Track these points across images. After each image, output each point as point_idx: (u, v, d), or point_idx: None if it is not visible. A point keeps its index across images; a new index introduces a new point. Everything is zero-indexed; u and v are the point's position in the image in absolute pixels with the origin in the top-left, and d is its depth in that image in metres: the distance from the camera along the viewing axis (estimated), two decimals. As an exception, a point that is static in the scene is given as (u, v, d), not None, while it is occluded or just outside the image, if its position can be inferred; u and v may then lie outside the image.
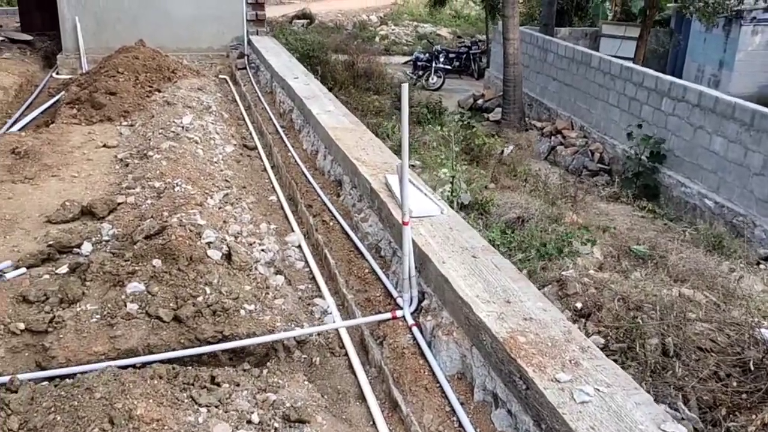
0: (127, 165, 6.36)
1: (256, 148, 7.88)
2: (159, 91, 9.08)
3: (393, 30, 31.63)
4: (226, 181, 6.02)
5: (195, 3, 12.29)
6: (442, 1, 24.98)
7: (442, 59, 21.89)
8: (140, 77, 9.32)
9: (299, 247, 5.27)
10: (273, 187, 6.67)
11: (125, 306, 3.79)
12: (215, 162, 6.45)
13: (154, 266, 4.06)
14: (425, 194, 4.79)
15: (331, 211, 5.52)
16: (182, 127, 7.14)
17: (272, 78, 9.74)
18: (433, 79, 21.19)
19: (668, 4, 18.24)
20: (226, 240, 4.55)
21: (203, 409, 2.94)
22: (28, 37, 13.44)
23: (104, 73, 9.15)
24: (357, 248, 4.86)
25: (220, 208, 5.29)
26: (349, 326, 4.02)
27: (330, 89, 16.13)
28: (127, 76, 9.12)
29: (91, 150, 6.95)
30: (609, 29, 19.92)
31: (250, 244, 4.77)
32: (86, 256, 4.50)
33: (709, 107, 11.02)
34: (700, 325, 6.30)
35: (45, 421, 2.75)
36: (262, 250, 4.74)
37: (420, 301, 3.89)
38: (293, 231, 5.50)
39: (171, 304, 3.84)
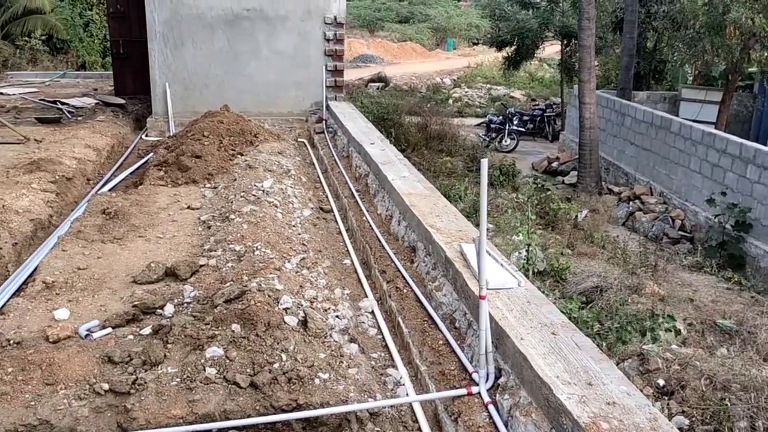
0: (209, 227, 6.57)
1: (332, 211, 8.03)
2: (241, 155, 9.43)
3: (466, 92, 31.96)
4: (303, 244, 6.13)
5: (277, 70, 12.82)
6: (516, 64, 25.07)
7: (515, 121, 21.93)
8: (224, 141, 9.72)
9: (372, 313, 5.27)
10: (347, 250, 6.74)
11: (204, 370, 3.87)
12: (293, 225, 6.59)
13: (233, 331, 4.14)
14: (501, 265, 4.74)
15: (404, 278, 5.52)
16: (263, 191, 7.36)
17: (349, 143, 9.99)
18: (506, 141, 21.22)
19: (751, 69, 17.80)
20: (302, 306, 4.61)
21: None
22: (121, 101, 14.27)
23: (190, 136, 9.60)
24: (431, 317, 4.83)
25: (297, 272, 5.38)
26: (423, 400, 3.96)
27: (403, 151, 16.36)
28: (212, 140, 9.53)
29: (176, 211, 7.24)
30: (689, 93, 19.57)
31: (325, 310, 4.81)
32: (169, 317, 4.64)
33: (798, 175, 10.58)
34: (793, 410, 5.92)
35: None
36: (337, 316, 4.77)
37: (496, 378, 3.81)
38: (366, 297, 5.53)
39: (248, 370, 3.89)
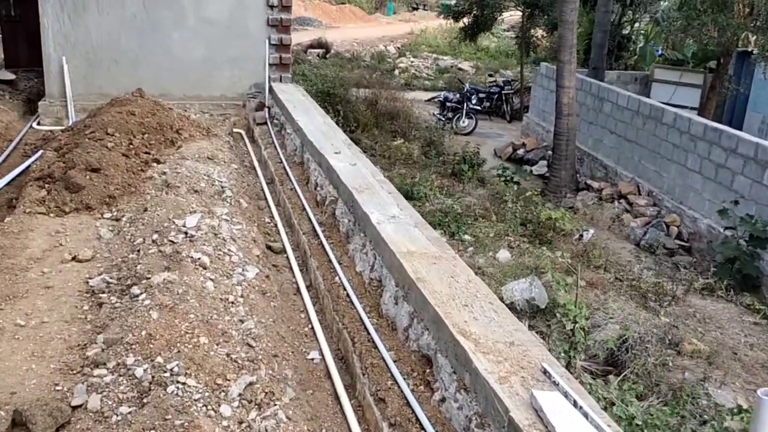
0: (100, 305, 4.27)
1: (283, 251, 5.82)
2: (158, 162, 7.05)
3: (412, 62, 29.89)
4: (249, 345, 3.90)
5: (207, 44, 10.26)
6: (473, 36, 22.99)
7: (474, 100, 19.94)
8: (135, 141, 7.31)
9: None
10: (312, 329, 4.58)
11: None
12: (231, 302, 4.33)
13: None
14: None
15: (421, 424, 3.39)
16: (185, 234, 5.05)
17: (303, 146, 7.64)
18: (464, 122, 19.20)
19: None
20: None
21: None
22: (11, 76, 11.45)
23: (89, 135, 7.12)
24: None
25: (241, 422, 3.18)
26: None
27: (352, 132, 14.16)
28: (118, 141, 7.10)
29: (54, 266, 4.88)
30: (662, 74, 17.93)
31: None
32: None
33: (834, 187, 8.94)
34: None
35: None
36: None
37: None
38: (358, 450, 3.38)
39: None
